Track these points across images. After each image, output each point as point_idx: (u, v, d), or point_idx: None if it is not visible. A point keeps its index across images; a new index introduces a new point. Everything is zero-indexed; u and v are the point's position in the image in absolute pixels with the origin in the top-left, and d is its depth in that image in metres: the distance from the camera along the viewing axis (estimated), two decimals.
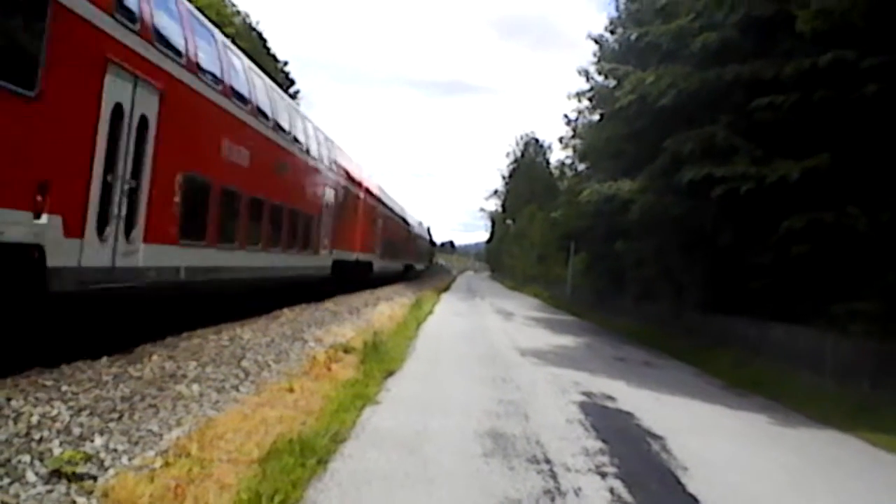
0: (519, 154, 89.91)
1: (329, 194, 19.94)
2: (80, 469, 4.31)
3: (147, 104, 8.54)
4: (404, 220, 45.26)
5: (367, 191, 28.14)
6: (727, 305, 17.13)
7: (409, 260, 49.70)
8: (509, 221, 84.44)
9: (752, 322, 15.70)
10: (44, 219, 6.62)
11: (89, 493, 4.13)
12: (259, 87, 13.82)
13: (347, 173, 23.44)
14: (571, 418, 8.32)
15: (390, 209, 37.13)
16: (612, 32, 26.05)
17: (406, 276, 46.63)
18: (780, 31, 13.46)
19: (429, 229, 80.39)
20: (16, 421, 5.00)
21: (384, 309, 20.13)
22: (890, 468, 7.89)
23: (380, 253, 31.58)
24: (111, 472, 4.50)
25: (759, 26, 14.46)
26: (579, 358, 15.01)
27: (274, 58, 48.20)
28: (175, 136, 9.32)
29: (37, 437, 4.78)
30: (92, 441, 4.95)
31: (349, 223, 23.85)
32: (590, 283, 35.49)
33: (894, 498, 6.78)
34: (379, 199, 31.87)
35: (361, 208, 26.40)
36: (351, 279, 24.52)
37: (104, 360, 7.55)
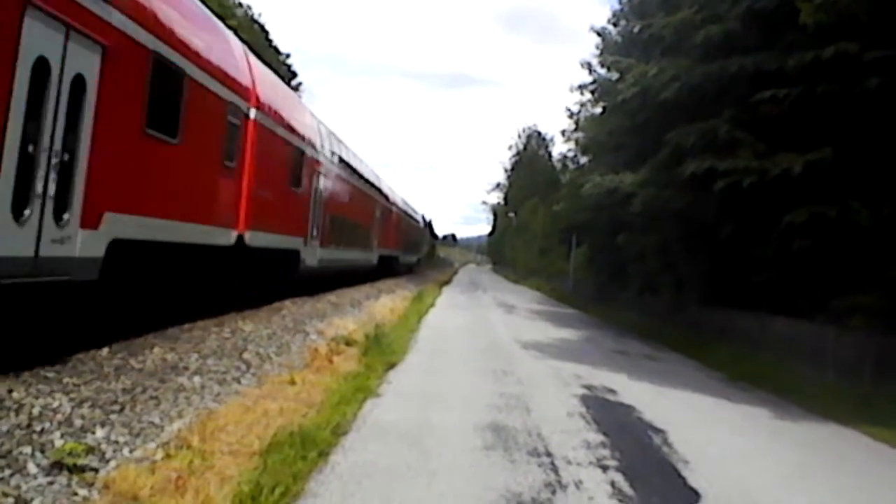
0: (521, 147, 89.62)
1: (86, 59, 6.97)
2: (82, 461, 4.32)
3: None
4: (378, 190, 30.75)
5: (283, 113, 14.66)
6: (729, 299, 17.12)
7: (390, 249, 34.85)
8: (511, 214, 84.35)
9: (753, 316, 15.70)
10: None
11: (90, 484, 4.13)
12: None
13: (211, 62, 10.47)
14: (573, 411, 8.33)
15: (347, 165, 22.77)
16: (614, 25, 25.99)
17: (387, 272, 33.83)
18: (784, 23, 13.38)
19: (430, 222, 79.73)
20: (17, 412, 5.01)
21: (386, 301, 20.21)
22: (891, 462, 7.89)
23: (319, 235, 18.42)
24: (112, 463, 4.51)
25: (762, 19, 14.40)
26: (581, 351, 15.02)
27: (276, 50, 48.01)
28: None
29: (38, 428, 4.79)
30: (93, 433, 4.96)
31: (208, 161, 10.89)
32: (591, 277, 35.47)
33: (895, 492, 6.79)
34: (323, 146, 18.58)
35: (254, 138, 12.54)
36: (226, 286, 12.43)
37: (105, 351, 7.56)
